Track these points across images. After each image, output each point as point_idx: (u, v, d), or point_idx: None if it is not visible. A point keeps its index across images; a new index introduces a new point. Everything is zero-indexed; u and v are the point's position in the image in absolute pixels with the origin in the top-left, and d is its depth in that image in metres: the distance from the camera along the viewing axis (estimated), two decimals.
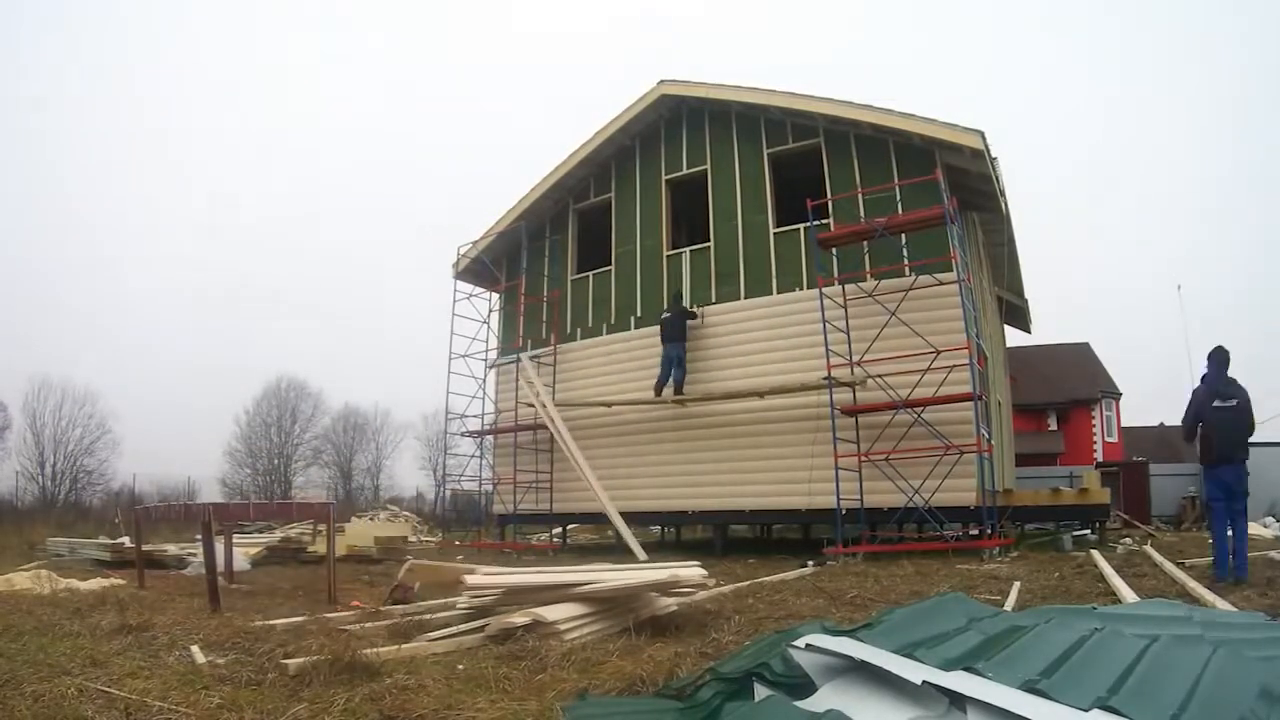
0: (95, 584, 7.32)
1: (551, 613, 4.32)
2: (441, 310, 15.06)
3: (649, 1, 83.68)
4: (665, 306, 12.32)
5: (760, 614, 5.25)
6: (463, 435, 14.64)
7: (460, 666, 3.62)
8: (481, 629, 4.33)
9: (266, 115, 69.18)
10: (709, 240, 12.69)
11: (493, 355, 14.54)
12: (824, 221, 11.10)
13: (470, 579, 4.67)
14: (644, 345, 12.79)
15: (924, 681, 2.16)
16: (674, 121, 13.49)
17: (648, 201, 13.56)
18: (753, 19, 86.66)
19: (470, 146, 78.72)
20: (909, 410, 9.87)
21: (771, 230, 12.03)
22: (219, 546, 7.31)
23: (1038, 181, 64.47)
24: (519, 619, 4.28)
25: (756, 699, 2.52)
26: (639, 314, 13.16)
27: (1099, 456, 25.01)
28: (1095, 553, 8.60)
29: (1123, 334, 54.22)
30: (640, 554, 10.44)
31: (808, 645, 2.56)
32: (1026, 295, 17.39)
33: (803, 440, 10.87)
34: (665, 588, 4.99)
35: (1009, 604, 5.28)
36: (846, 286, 10.68)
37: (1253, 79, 65.64)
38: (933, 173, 10.37)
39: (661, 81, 13.18)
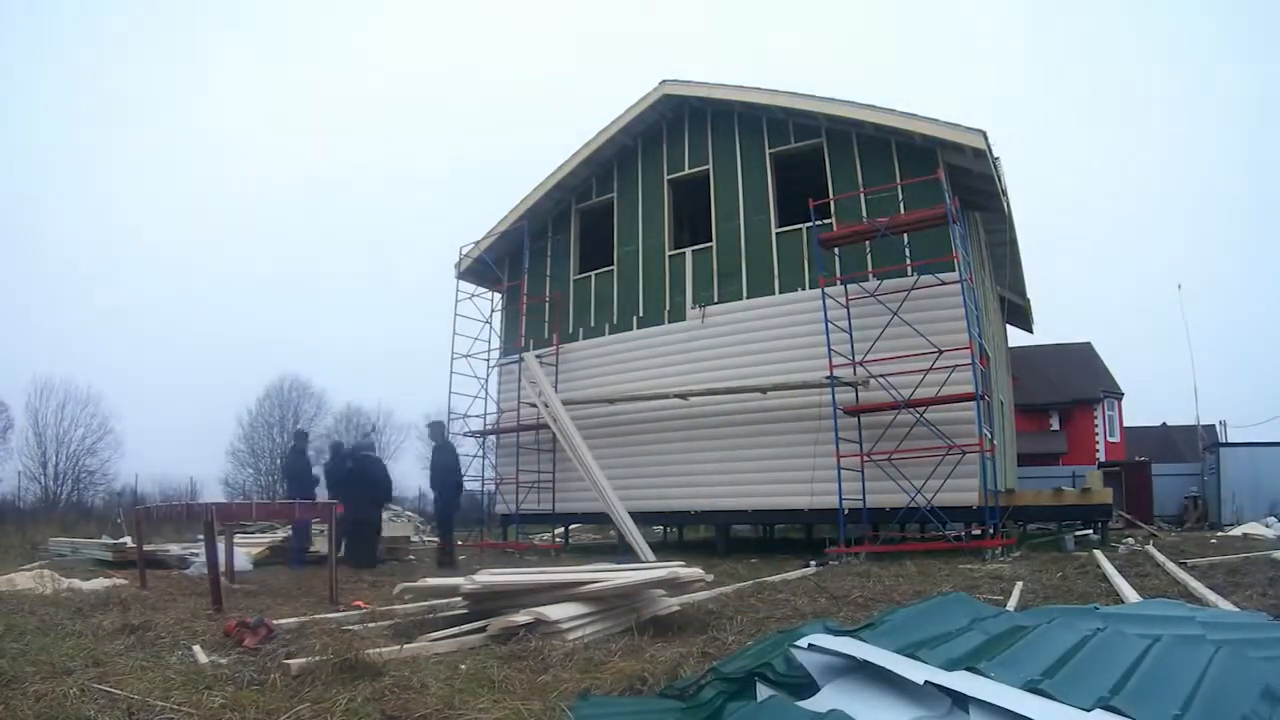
0: (97, 584, 7.32)
1: (554, 612, 4.32)
2: (444, 310, 15.08)
3: (651, 4, 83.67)
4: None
5: (763, 614, 5.25)
6: (465, 435, 14.65)
7: (463, 666, 3.62)
8: (484, 629, 4.33)
9: (268, 115, 69.27)
10: (711, 240, 12.70)
11: (495, 355, 14.55)
12: (826, 221, 11.10)
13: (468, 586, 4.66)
14: (645, 344, 12.84)
15: (926, 681, 2.16)
16: (676, 121, 13.49)
17: (650, 201, 13.56)
18: (753, 22, 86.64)
19: (473, 145, 78.78)
20: (911, 410, 9.86)
21: (774, 230, 12.03)
22: (221, 546, 7.32)
23: (1039, 181, 64.38)
24: (521, 618, 4.28)
25: (759, 699, 2.51)
26: (641, 314, 13.16)
27: (1101, 456, 24.96)
28: (1098, 553, 8.59)
29: (1125, 333, 54.18)
30: (648, 554, 10.43)
31: (810, 645, 2.56)
32: (1028, 295, 17.38)
33: (805, 440, 10.87)
34: (665, 585, 5.00)
35: (1011, 604, 5.28)
36: (849, 286, 10.67)
37: (1254, 77, 65.51)
38: (935, 172, 10.36)
39: (663, 81, 13.18)
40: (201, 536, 7.82)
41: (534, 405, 13.18)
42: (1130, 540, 11.09)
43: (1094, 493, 10.84)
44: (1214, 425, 22.65)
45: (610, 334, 13.47)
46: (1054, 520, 12.02)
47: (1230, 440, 20.80)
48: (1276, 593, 5.54)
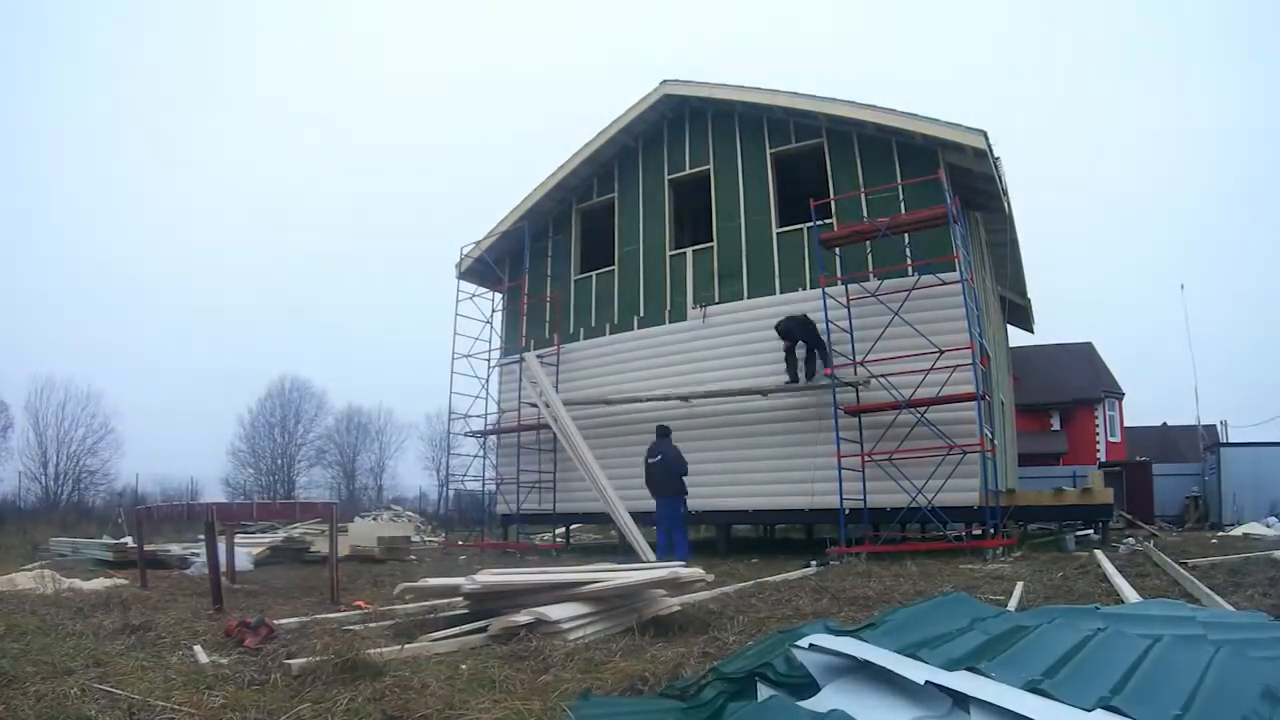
0: (98, 584, 7.34)
1: (555, 612, 4.32)
2: (445, 310, 15.08)
3: (650, 4, 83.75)
4: None
5: (763, 614, 5.25)
6: (466, 435, 14.65)
7: (463, 666, 3.62)
8: (485, 629, 4.34)
9: (269, 115, 69.33)
10: (712, 240, 12.70)
11: (496, 355, 14.55)
12: (827, 221, 11.10)
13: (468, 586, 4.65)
14: (646, 345, 12.85)
15: (927, 681, 2.16)
16: (676, 121, 13.49)
17: (650, 201, 13.56)
18: (753, 23, 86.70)
19: (473, 146, 78.80)
20: (912, 410, 9.86)
21: (774, 230, 12.03)
22: (222, 546, 7.32)
23: (1040, 180, 64.41)
24: (522, 618, 4.28)
25: (760, 699, 2.51)
26: (642, 314, 13.16)
27: (1102, 456, 24.93)
28: (1098, 553, 8.58)
29: (1126, 334, 54.17)
30: (649, 554, 10.43)
31: (811, 645, 2.56)
32: (1029, 295, 17.37)
33: (806, 440, 10.87)
34: (666, 585, 5.00)
35: (1012, 604, 5.28)
36: (849, 286, 10.67)
37: (1254, 75, 65.51)
38: (935, 172, 10.36)
39: (664, 81, 13.18)
40: (202, 536, 7.84)
41: (535, 405, 13.18)
42: (1131, 540, 11.08)
43: (1095, 493, 10.82)
44: (1215, 425, 22.66)
45: (611, 334, 13.47)
46: (1055, 520, 12.00)
47: (1231, 440, 20.80)
48: (1277, 593, 5.53)
